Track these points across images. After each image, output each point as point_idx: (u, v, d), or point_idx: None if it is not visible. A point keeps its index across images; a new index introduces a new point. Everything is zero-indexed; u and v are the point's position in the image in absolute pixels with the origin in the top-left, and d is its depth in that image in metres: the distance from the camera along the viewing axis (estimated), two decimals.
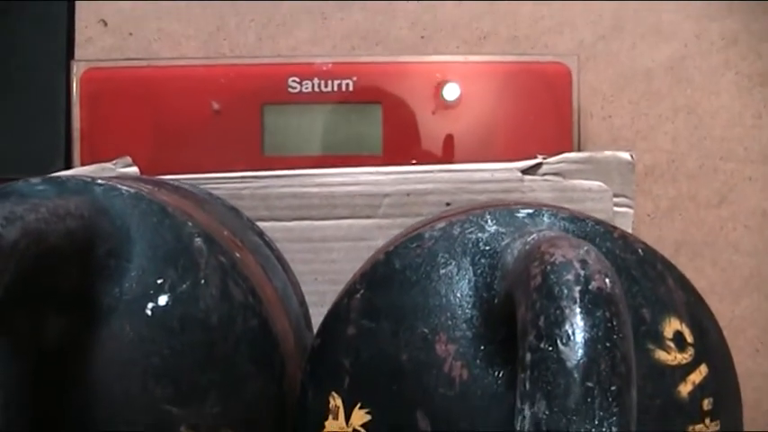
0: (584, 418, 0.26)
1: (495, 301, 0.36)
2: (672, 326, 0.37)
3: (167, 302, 0.38)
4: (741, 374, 0.41)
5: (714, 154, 0.69)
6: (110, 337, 0.37)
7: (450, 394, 0.35)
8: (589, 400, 0.26)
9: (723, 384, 0.38)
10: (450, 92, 0.65)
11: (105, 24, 0.69)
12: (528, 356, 0.28)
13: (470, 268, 0.37)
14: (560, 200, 0.57)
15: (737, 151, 0.69)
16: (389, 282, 0.39)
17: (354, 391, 0.38)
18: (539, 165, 0.58)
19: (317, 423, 0.39)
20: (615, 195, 0.58)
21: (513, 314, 0.31)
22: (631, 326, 0.29)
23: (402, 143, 0.64)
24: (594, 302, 0.28)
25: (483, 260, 0.37)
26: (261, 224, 0.55)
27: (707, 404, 0.36)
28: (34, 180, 0.40)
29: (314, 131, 0.64)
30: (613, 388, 0.26)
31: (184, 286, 0.38)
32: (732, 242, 0.69)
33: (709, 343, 0.38)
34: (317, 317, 0.44)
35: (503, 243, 0.37)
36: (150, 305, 0.37)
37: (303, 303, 0.52)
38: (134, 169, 0.58)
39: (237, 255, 0.42)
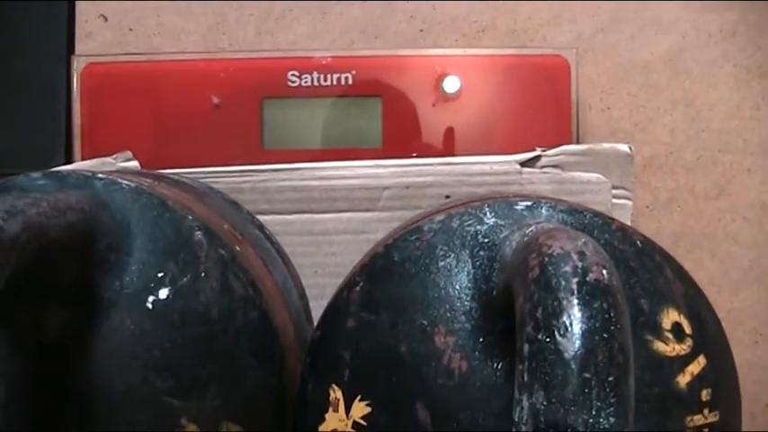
0: (581, 408, 0.26)
1: (494, 292, 0.36)
2: (670, 317, 0.37)
3: (168, 296, 0.38)
4: (740, 366, 0.41)
5: (712, 146, 0.69)
6: (110, 330, 0.37)
7: (449, 385, 0.35)
8: (587, 390, 0.26)
9: (721, 375, 0.38)
10: (450, 85, 0.65)
11: (105, 19, 0.69)
12: (526, 347, 0.28)
13: (469, 260, 0.38)
14: (559, 192, 0.57)
15: (736, 143, 0.69)
16: (389, 274, 0.39)
17: (354, 383, 0.38)
18: (537, 157, 0.58)
19: (318, 415, 0.39)
20: (614, 187, 0.58)
21: (511, 306, 0.31)
22: (630, 317, 0.29)
23: (402, 136, 0.64)
24: (592, 294, 0.28)
25: (482, 252, 0.38)
26: (261, 217, 0.55)
27: (705, 395, 0.36)
28: (35, 175, 0.40)
29: (313, 125, 0.64)
30: (611, 379, 0.27)
31: (185, 279, 0.38)
32: (731, 234, 0.69)
33: (708, 334, 0.38)
34: (318, 310, 0.44)
35: (501, 235, 0.38)
36: (151, 298, 0.37)
37: (303, 296, 0.53)
38: (134, 163, 0.58)
39: (237, 248, 0.42)
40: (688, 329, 0.37)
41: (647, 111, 0.69)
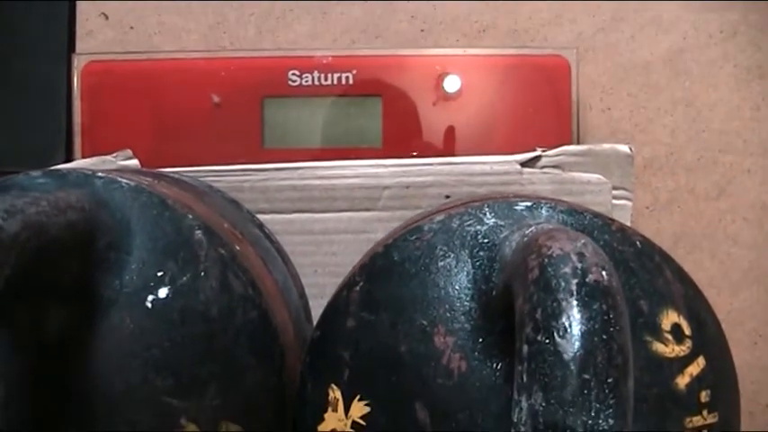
0: (580, 409, 0.26)
1: (494, 293, 0.36)
2: (669, 318, 0.37)
3: (167, 295, 0.38)
4: (739, 367, 0.41)
5: (713, 147, 0.69)
6: (110, 329, 0.37)
7: (448, 386, 0.35)
8: (585, 392, 0.26)
9: (721, 376, 0.38)
10: (450, 85, 0.65)
11: (106, 18, 0.69)
12: (525, 349, 0.28)
13: (469, 261, 0.38)
14: (559, 192, 0.57)
15: (736, 144, 0.69)
16: (388, 274, 0.39)
17: (354, 383, 0.38)
18: (538, 157, 0.58)
19: (317, 415, 0.39)
20: (614, 188, 0.58)
21: (511, 306, 0.31)
22: (629, 318, 0.29)
23: (402, 136, 0.65)
24: (591, 295, 0.28)
25: (481, 253, 0.38)
26: (261, 216, 0.55)
27: (704, 396, 0.36)
28: (35, 173, 0.40)
29: (314, 124, 0.64)
30: (610, 380, 0.27)
31: (184, 279, 0.38)
32: (731, 235, 0.70)
33: (707, 335, 0.39)
34: (317, 309, 0.44)
35: (501, 236, 0.38)
36: (150, 297, 0.37)
37: (303, 295, 0.53)
38: (134, 162, 0.58)
39: (237, 247, 0.42)
40: (687, 330, 0.37)
41: (648, 111, 0.69)
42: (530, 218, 0.39)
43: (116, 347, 0.37)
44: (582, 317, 0.27)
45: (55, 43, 0.69)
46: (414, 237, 0.40)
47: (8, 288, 0.30)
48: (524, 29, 0.69)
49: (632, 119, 0.69)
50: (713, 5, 0.69)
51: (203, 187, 0.52)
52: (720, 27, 0.69)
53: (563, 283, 0.28)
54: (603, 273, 0.29)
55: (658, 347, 0.36)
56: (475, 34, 0.69)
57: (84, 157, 0.63)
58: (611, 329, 0.27)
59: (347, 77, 0.64)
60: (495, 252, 0.37)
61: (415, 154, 0.63)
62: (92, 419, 0.36)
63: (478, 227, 0.39)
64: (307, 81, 0.64)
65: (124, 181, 0.40)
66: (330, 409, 0.38)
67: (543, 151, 0.58)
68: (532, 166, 0.58)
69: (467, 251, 0.38)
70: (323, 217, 0.60)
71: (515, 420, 0.28)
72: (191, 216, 0.41)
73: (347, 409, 0.37)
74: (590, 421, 0.26)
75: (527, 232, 0.35)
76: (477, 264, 0.37)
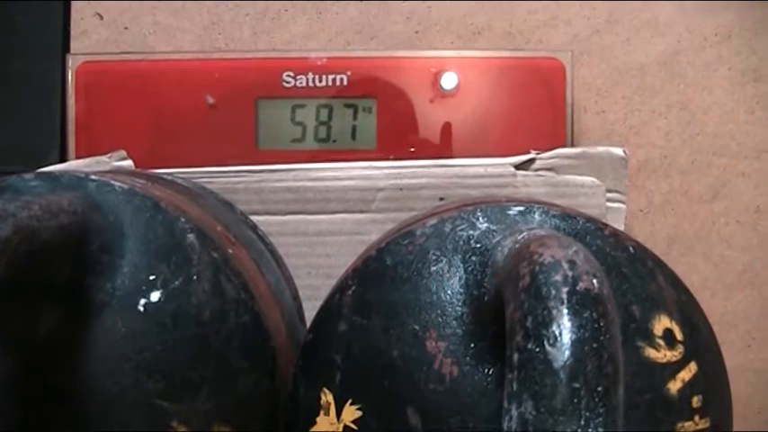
0: (570, 418, 0.26)
1: (486, 298, 0.36)
2: (662, 323, 0.37)
3: (159, 298, 0.38)
4: (733, 370, 0.41)
5: (707, 149, 0.69)
6: (102, 332, 0.37)
7: (440, 390, 0.35)
8: (575, 400, 0.26)
9: (713, 382, 0.39)
10: (445, 86, 0.65)
11: (101, 18, 0.69)
12: (515, 357, 0.28)
13: (461, 266, 0.38)
14: (553, 195, 0.58)
15: (730, 147, 0.69)
16: (381, 278, 0.39)
17: (345, 387, 0.38)
18: (532, 160, 0.58)
19: (309, 418, 0.39)
20: (608, 191, 0.58)
21: (503, 312, 0.31)
22: (621, 323, 0.29)
23: (396, 137, 0.64)
24: (582, 303, 0.28)
25: (474, 258, 0.38)
26: (255, 218, 0.55)
27: (696, 401, 0.36)
28: (27, 176, 0.40)
29: (308, 126, 0.64)
30: (600, 388, 0.27)
31: (177, 282, 0.38)
32: (725, 237, 0.70)
33: (699, 340, 0.39)
34: (311, 311, 0.44)
35: (494, 241, 0.38)
36: (142, 301, 0.37)
37: (297, 298, 0.53)
38: (128, 162, 0.58)
39: (230, 250, 0.42)
40: (679, 336, 0.37)
41: (642, 114, 0.69)
42: (522, 223, 0.39)
43: (108, 350, 0.37)
44: (572, 325, 0.27)
45: (49, 43, 0.69)
46: (406, 241, 0.40)
47: (0, 291, 0.30)
48: (519, 31, 0.69)
49: (627, 121, 0.69)
50: (708, 8, 0.69)
51: (197, 189, 0.52)
52: (715, 30, 0.69)
53: (554, 292, 0.28)
54: (594, 281, 0.29)
55: (650, 353, 0.36)
56: (470, 36, 0.69)
57: (78, 157, 0.63)
58: (602, 338, 0.27)
59: (342, 79, 0.64)
60: (487, 257, 0.37)
61: (412, 149, 0.64)
62: (83, 422, 0.36)
63: (471, 231, 0.39)
64: (301, 82, 0.64)
65: (117, 184, 0.40)
66: (322, 412, 0.38)
67: (537, 154, 0.59)
68: (526, 169, 0.59)
69: (459, 256, 0.38)
70: (317, 218, 0.60)
71: (506, 429, 0.28)
72: (183, 219, 0.41)
73: (339, 413, 0.37)
74: (580, 430, 0.26)
75: (519, 238, 0.35)
76: (470, 269, 0.37)
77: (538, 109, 0.64)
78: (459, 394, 0.35)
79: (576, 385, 0.26)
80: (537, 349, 0.27)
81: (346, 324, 0.39)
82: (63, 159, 0.66)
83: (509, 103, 0.64)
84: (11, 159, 0.67)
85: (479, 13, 0.69)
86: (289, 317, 0.48)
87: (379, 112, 0.64)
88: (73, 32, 0.69)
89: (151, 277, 0.38)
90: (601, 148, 0.59)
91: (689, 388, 0.36)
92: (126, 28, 0.69)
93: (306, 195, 0.59)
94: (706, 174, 0.69)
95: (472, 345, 0.36)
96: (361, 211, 0.59)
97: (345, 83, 0.64)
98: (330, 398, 0.38)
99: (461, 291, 0.37)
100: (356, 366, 0.38)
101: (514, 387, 0.28)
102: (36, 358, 0.36)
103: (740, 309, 0.70)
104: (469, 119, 0.64)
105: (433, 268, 0.38)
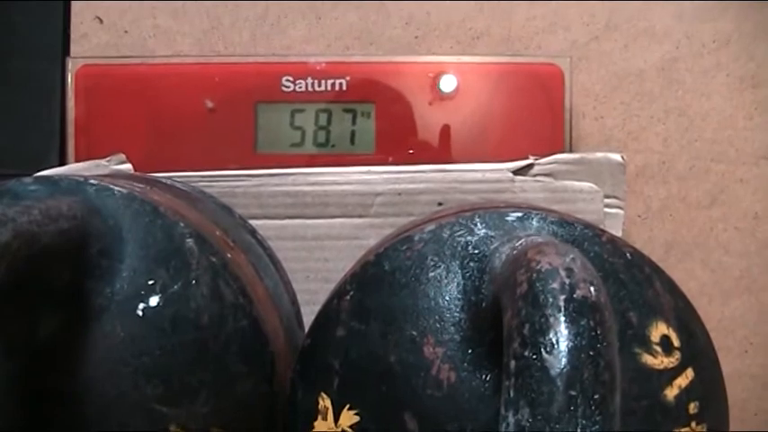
0: (566, 425, 0.26)
1: (483, 304, 0.36)
2: (659, 330, 0.37)
3: (158, 303, 0.38)
4: (730, 375, 0.41)
5: (705, 155, 0.69)
6: (101, 336, 0.37)
7: (437, 396, 0.35)
8: (572, 408, 0.26)
9: (709, 388, 0.39)
10: (444, 91, 0.65)
11: (101, 21, 0.69)
12: (512, 364, 0.28)
13: (459, 271, 0.38)
14: (551, 200, 0.58)
15: (728, 153, 0.69)
16: (379, 284, 0.39)
17: (343, 392, 0.38)
18: (530, 165, 0.59)
19: (307, 423, 0.39)
20: (606, 196, 0.59)
21: (500, 318, 0.31)
22: (618, 329, 0.29)
23: (395, 142, 0.65)
24: (579, 311, 0.28)
25: (472, 264, 0.38)
26: (253, 222, 0.55)
27: (693, 408, 0.37)
28: (27, 180, 0.40)
29: (307, 130, 0.64)
30: (596, 396, 0.27)
31: (175, 287, 0.38)
32: (722, 243, 0.70)
33: (696, 347, 0.39)
34: (309, 315, 0.44)
35: (491, 247, 0.38)
36: (141, 305, 0.38)
37: (295, 302, 0.53)
38: (128, 166, 0.58)
39: (229, 255, 0.42)
40: (676, 342, 0.37)
41: (641, 120, 0.69)
42: (520, 229, 0.39)
43: (107, 354, 0.37)
44: (569, 333, 0.27)
45: (49, 46, 0.69)
46: (404, 246, 0.40)
47: (0, 295, 0.30)
48: (518, 37, 0.69)
49: (625, 127, 0.69)
50: (706, 15, 0.69)
51: (196, 193, 0.52)
52: (713, 36, 0.69)
53: (551, 299, 0.28)
54: (591, 288, 0.29)
55: (647, 359, 0.36)
56: (469, 41, 0.69)
57: (77, 160, 0.63)
58: (599, 345, 0.28)
59: (341, 84, 0.64)
60: (485, 263, 0.37)
61: (411, 152, 0.64)
62: (82, 426, 0.36)
63: (469, 237, 0.39)
64: (300, 87, 0.64)
65: (116, 188, 0.40)
66: (320, 417, 0.38)
67: (536, 159, 0.59)
68: (525, 174, 0.59)
69: (457, 262, 0.38)
70: (315, 223, 0.60)
71: None
72: (182, 224, 0.41)
73: (337, 418, 0.38)
74: None
75: (517, 244, 0.35)
76: (468, 275, 0.37)
77: (536, 114, 0.64)
78: (457, 400, 0.35)
79: (573, 393, 0.27)
80: (534, 356, 0.27)
81: (344, 329, 0.39)
82: (62, 162, 0.66)
83: (508, 109, 0.64)
84: (10, 162, 0.67)
85: (478, 19, 0.69)
86: (287, 321, 0.48)
87: (377, 117, 0.64)
88: (73, 36, 0.70)
89: (150, 282, 0.38)
90: (599, 154, 0.59)
91: (685, 394, 0.36)
92: (126, 31, 0.70)
93: (304, 200, 0.59)
94: (704, 180, 0.70)
95: (470, 351, 0.36)
96: (360, 216, 0.59)
97: (344, 87, 0.64)
98: (328, 403, 0.38)
99: (459, 297, 0.37)
100: (354, 371, 0.38)
101: (511, 394, 0.28)
102: (35, 362, 0.36)
103: (738, 314, 0.70)
104: (468, 123, 0.64)
105: (431, 274, 0.38)
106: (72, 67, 0.64)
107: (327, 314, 0.41)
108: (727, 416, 0.41)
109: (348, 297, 0.40)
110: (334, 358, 0.39)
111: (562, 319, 0.28)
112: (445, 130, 0.65)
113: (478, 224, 0.39)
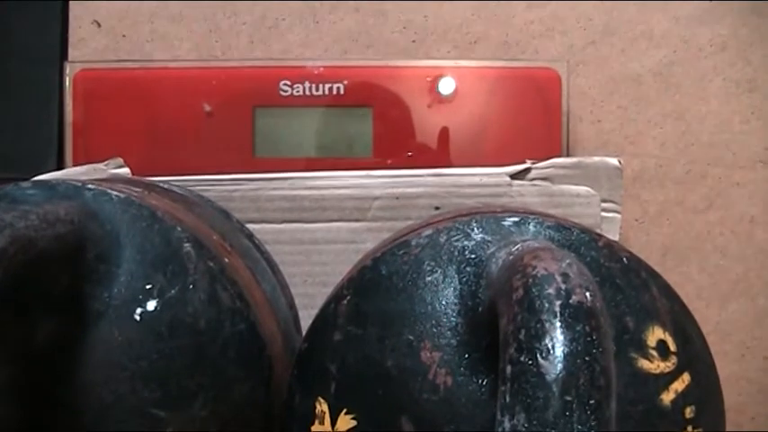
0: (562, 430, 0.26)
1: (480, 309, 0.36)
2: (655, 334, 0.37)
3: (156, 307, 0.38)
4: (727, 379, 0.41)
5: (702, 159, 0.70)
6: (98, 341, 0.37)
7: (434, 400, 0.35)
8: (568, 413, 0.26)
9: (706, 392, 0.39)
10: (441, 95, 0.65)
11: (99, 25, 0.69)
12: (508, 369, 0.28)
13: (456, 276, 0.38)
14: (548, 205, 0.58)
15: (725, 157, 0.70)
16: (376, 288, 0.39)
17: (340, 396, 0.38)
18: (527, 170, 0.59)
19: (304, 427, 0.39)
20: (603, 200, 0.59)
21: (497, 323, 0.31)
22: (615, 334, 0.29)
23: (392, 146, 0.65)
24: (575, 317, 0.28)
25: (468, 268, 0.38)
26: (251, 226, 0.55)
27: (689, 412, 0.37)
28: (25, 184, 0.40)
29: (305, 134, 0.65)
30: (592, 402, 0.27)
31: (173, 291, 0.38)
32: (719, 247, 0.70)
33: (693, 351, 0.39)
34: (307, 319, 0.44)
35: (488, 251, 0.38)
36: (139, 310, 0.38)
37: (292, 306, 0.53)
38: (125, 170, 0.59)
39: (226, 259, 0.42)
40: (673, 347, 0.37)
41: (638, 124, 0.69)
42: (517, 234, 0.39)
43: (104, 359, 0.37)
44: (565, 338, 0.28)
45: (47, 50, 0.69)
46: (401, 251, 0.40)
47: None
48: (516, 41, 0.70)
49: (622, 131, 0.69)
50: (703, 19, 0.69)
51: (193, 197, 0.53)
52: (710, 41, 0.70)
53: (547, 305, 0.28)
54: (587, 294, 0.29)
55: (644, 364, 0.36)
56: (466, 45, 0.69)
57: (75, 164, 0.63)
58: (594, 351, 0.28)
59: (338, 88, 0.64)
60: (481, 268, 0.37)
61: (409, 155, 0.64)
62: (79, 430, 0.36)
63: (466, 242, 0.39)
64: (298, 91, 0.64)
65: (114, 193, 0.40)
66: (317, 421, 0.38)
67: (533, 163, 0.59)
68: (522, 179, 0.59)
69: (454, 267, 0.38)
70: (313, 227, 0.60)
71: None
72: (180, 228, 0.41)
73: (334, 422, 0.38)
74: None
75: (513, 249, 0.35)
76: (464, 279, 0.37)
77: (534, 118, 0.65)
78: (453, 404, 0.35)
79: (569, 398, 0.27)
80: (530, 362, 0.27)
81: (341, 333, 0.39)
82: (60, 166, 0.66)
83: (505, 113, 0.64)
84: (8, 166, 0.67)
85: (476, 23, 0.69)
86: (284, 325, 0.48)
87: (375, 121, 0.64)
88: (71, 40, 0.70)
89: (147, 286, 0.38)
90: (596, 158, 0.59)
91: (682, 399, 0.36)
92: (124, 36, 0.70)
93: (302, 204, 0.60)
94: (701, 184, 0.70)
95: (466, 355, 0.36)
96: (357, 220, 0.59)
97: (342, 92, 0.64)
98: (325, 407, 0.38)
99: (456, 301, 0.37)
100: (351, 376, 0.38)
101: (507, 399, 0.28)
102: (33, 367, 0.36)
103: (734, 318, 0.70)
104: (465, 127, 0.64)
105: (428, 279, 0.38)
106: (70, 71, 0.64)
107: (324, 318, 0.41)
108: (723, 420, 0.41)
109: (345, 301, 0.40)
110: (331, 362, 0.39)
111: (558, 324, 0.28)
112: (443, 134, 0.65)
113: (475, 229, 0.39)
